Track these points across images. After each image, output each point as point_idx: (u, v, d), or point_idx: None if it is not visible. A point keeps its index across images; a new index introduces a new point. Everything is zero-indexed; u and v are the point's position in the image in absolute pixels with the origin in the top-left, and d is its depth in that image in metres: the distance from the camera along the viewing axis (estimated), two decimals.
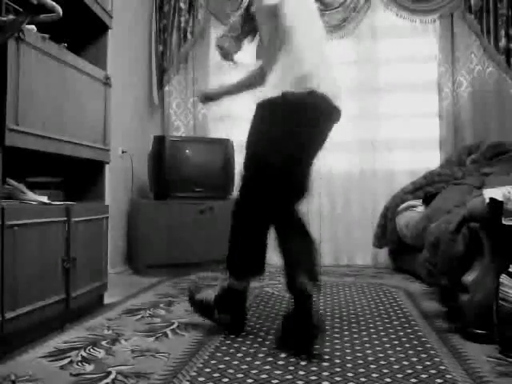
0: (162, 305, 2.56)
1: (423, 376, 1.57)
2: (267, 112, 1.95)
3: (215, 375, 1.58)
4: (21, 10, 1.78)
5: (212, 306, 2.10)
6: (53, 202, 2.12)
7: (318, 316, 2.04)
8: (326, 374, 1.59)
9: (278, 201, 2.01)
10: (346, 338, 1.99)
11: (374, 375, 1.58)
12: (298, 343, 1.82)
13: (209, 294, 2.14)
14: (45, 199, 2.09)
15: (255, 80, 2.27)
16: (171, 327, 2.14)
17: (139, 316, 2.33)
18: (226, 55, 2.20)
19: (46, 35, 1.99)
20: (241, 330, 2.07)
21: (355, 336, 2.02)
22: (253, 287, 3.04)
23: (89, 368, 1.64)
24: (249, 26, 2.17)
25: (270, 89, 1.96)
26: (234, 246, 2.12)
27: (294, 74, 1.92)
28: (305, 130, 1.96)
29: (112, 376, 1.57)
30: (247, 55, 2.31)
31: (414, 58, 4.11)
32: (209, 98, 2.47)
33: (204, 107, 4.30)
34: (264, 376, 1.57)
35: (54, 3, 1.81)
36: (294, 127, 1.93)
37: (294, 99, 1.89)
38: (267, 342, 1.93)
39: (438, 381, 1.53)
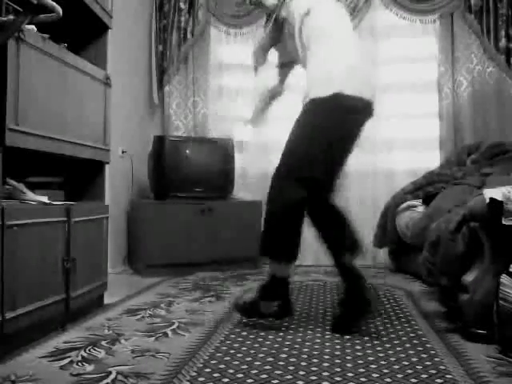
0: (162, 305, 2.56)
1: (423, 376, 1.57)
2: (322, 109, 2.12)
3: (215, 375, 1.58)
4: (21, 9, 1.78)
5: (256, 301, 2.18)
6: (53, 202, 2.12)
7: (371, 291, 2.21)
8: (325, 374, 1.59)
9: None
10: (346, 338, 1.99)
11: (374, 375, 1.58)
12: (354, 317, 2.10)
13: (248, 296, 2.29)
14: (45, 199, 2.09)
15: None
16: (171, 327, 2.15)
17: (139, 316, 2.33)
18: (255, 68, 2.47)
19: (46, 35, 1.99)
20: (289, 313, 2.20)
21: (355, 336, 2.02)
22: (253, 287, 3.05)
23: (89, 368, 1.64)
24: (275, 33, 2.38)
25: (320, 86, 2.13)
26: (274, 230, 2.18)
27: (341, 74, 2.14)
28: (349, 128, 2.19)
29: (112, 376, 1.57)
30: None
31: (414, 58, 4.11)
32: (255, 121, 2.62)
33: (204, 107, 4.31)
34: (264, 376, 1.57)
35: (53, 3, 1.81)
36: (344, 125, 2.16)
37: (347, 101, 2.12)
38: (267, 342, 1.93)
39: (438, 381, 1.53)
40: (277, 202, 2.13)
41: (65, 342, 1.91)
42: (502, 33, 3.84)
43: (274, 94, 2.54)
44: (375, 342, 1.93)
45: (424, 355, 1.77)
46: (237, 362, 1.70)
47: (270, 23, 2.36)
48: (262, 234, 2.21)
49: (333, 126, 2.11)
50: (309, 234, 4.19)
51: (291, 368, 1.65)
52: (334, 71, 2.14)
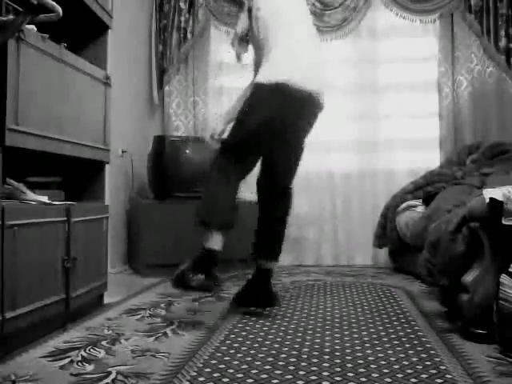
0: (162, 305, 2.56)
1: (423, 376, 1.57)
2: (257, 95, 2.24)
3: (215, 375, 1.58)
4: (21, 9, 1.78)
5: (187, 272, 2.28)
6: (53, 202, 2.12)
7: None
8: (326, 374, 1.59)
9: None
10: (347, 338, 1.99)
11: (374, 375, 1.58)
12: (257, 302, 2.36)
13: (183, 265, 2.33)
14: (45, 199, 2.09)
15: None
16: (171, 327, 2.15)
17: (139, 316, 2.33)
18: (237, 56, 2.44)
19: (46, 35, 1.99)
20: (211, 288, 2.41)
21: (355, 336, 2.02)
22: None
23: (89, 368, 1.64)
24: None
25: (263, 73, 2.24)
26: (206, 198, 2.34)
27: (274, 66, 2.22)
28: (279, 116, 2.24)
29: (112, 376, 1.57)
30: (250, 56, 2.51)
31: (414, 58, 4.12)
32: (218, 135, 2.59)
33: (204, 107, 4.31)
34: (264, 376, 1.57)
35: (53, 3, 1.81)
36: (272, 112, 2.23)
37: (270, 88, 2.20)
38: (267, 342, 1.93)
39: (438, 381, 1.53)
40: (210, 172, 2.32)
41: (65, 342, 1.91)
42: (502, 33, 3.84)
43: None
44: (375, 342, 1.93)
45: (424, 355, 1.77)
46: (237, 362, 1.70)
47: (242, 11, 2.40)
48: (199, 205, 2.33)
49: (265, 110, 2.21)
50: (309, 234, 4.19)
51: (291, 368, 1.65)
52: (280, 60, 2.22)
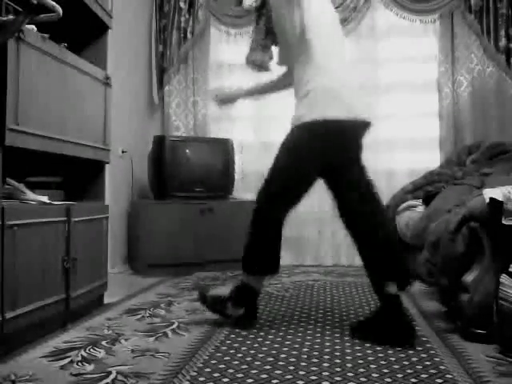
0: (162, 305, 2.56)
1: (423, 376, 1.57)
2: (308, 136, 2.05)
3: (215, 375, 1.58)
4: (21, 9, 1.78)
5: (225, 301, 2.16)
6: (53, 202, 2.12)
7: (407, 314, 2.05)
8: (325, 373, 1.59)
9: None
10: (346, 338, 1.99)
11: (374, 375, 1.58)
12: (394, 339, 1.88)
13: (222, 291, 2.22)
14: (45, 199, 2.09)
15: (278, 86, 2.42)
16: (171, 327, 2.15)
17: (139, 316, 2.33)
18: (261, 67, 2.22)
19: (46, 35, 1.99)
20: (252, 325, 2.16)
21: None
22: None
23: (89, 368, 1.64)
24: (272, 34, 2.22)
25: (307, 109, 2.03)
26: (250, 244, 2.19)
27: (331, 96, 2.03)
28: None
29: (112, 376, 1.57)
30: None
31: (414, 57, 4.11)
32: (226, 100, 2.47)
33: (204, 107, 4.31)
34: (264, 376, 1.57)
35: (53, 3, 1.81)
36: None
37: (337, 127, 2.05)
38: (267, 342, 1.93)
39: (438, 381, 1.53)
40: (257, 222, 2.17)
41: (65, 342, 1.91)
42: (502, 33, 3.84)
43: (268, 88, 2.46)
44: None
45: (424, 355, 1.77)
46: (237, 362, 1.70)
47: (261, 19, 2.22)
48: (244, 250, 2.18)
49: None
50: (309, 234, 4.19)
51: (291, 368, 1.65)
52: (324, 91, 2.04)
